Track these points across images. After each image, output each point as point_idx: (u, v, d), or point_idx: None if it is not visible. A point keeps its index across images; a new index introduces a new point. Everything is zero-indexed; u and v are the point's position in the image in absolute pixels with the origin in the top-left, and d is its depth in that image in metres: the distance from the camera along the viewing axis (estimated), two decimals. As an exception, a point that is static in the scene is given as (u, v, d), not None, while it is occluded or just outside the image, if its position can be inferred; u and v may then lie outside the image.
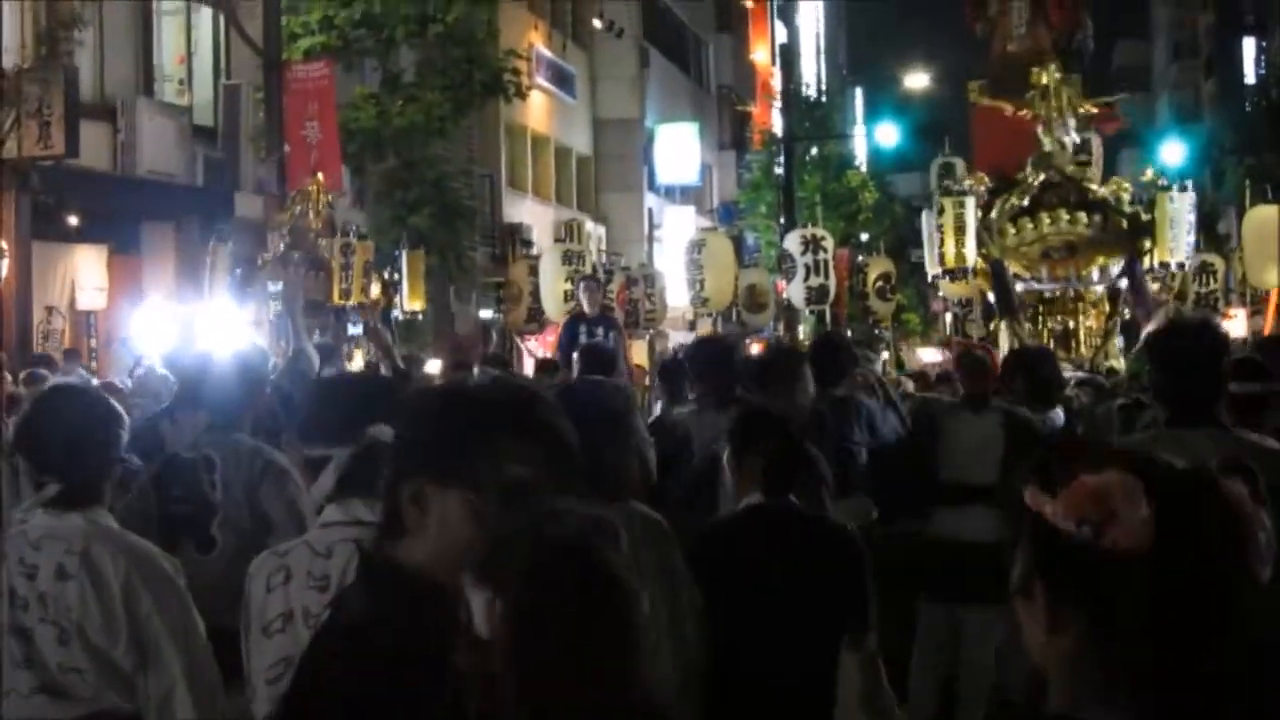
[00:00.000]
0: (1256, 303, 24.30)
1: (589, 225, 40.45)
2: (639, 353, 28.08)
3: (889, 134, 52.55)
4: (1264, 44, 62.34)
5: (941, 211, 20.86)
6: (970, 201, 20.69)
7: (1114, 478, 2.64)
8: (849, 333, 35.15)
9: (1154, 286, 21.59)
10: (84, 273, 24.48)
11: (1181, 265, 21.47)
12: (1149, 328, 14.03)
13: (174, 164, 25.99)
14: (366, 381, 4.86)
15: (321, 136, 23.87)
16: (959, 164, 24.66)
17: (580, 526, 2.69)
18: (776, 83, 61.50)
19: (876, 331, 34.73)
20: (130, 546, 4.94)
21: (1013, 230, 21.03)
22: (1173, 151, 48.46)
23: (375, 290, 21.29)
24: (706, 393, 9.49)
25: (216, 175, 26.91)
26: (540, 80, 40.58)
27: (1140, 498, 2.61)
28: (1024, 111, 21.75)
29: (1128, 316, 20.94)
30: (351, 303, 20.10)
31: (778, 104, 57.58)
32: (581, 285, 19.20)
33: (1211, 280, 23.80)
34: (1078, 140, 22.40)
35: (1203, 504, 2.65)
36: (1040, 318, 21.45)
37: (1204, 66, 77.27)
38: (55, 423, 5.08)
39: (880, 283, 29.29)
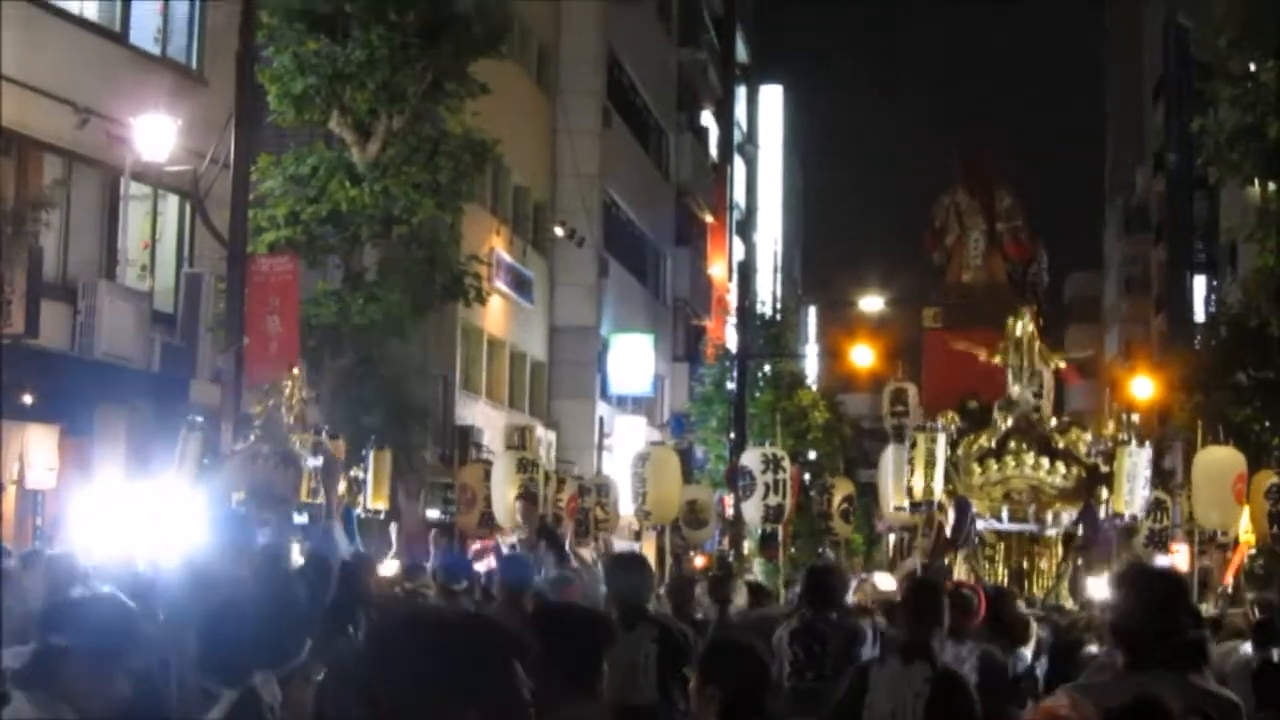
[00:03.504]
0: (1203, 543, 24.36)
1: (540, 430, 40.48)
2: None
3: (841, 354, 52.88)
4: (1214, 283, 63.06)
5: (914, 445, 20.98)
6: (942, 438, 20.83)
7: (1072, 702, 2.95)
8: (792, 550, 35.25)
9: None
10: (34, 451, 24.36)
11: (1135, 517, 21.66)
12: (1111, 572, 14.11)
13: (132, 348, 25.96)
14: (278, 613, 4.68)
15: (282, 330, 23.92)
16: (910, 390, 24.72)
17: None
18: (732, 298, 62.02)
19: (821, 550, 34.67)
20: None
21: (979, 470, 21.17)
22: (1122, 386, 48.78)
23: (341, 488, 21.29)
24: (617, 609, 9.61)
25: (173, 362, 26.83)
26: (499, 284, 40.86)
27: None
28: (996, 359, 21.91)
29: (1079, 562, 21.10)
30: (319, 501, 20.06)
31: (732, 319, 58.00)
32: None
33: (1164, 517, 23.93)
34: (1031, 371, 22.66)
35: None
36: (995, 556, 21.54)
37: (1155, 302, 78.17)
38: None
39: (844, 505, 29.43)
